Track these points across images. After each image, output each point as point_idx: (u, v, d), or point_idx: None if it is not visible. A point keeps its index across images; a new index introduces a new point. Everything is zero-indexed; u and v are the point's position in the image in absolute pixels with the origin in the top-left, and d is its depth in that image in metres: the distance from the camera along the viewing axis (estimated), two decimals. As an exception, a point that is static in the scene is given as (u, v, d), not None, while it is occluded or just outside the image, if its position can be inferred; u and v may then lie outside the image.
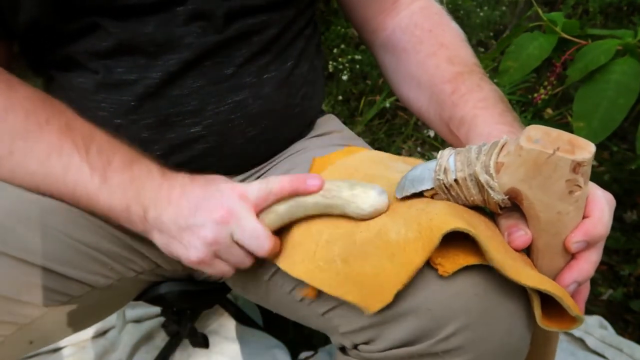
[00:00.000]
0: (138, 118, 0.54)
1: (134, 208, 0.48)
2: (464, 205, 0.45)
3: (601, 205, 0.41)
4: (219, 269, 0.49)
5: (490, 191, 0.41)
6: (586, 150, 0.38)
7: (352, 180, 0.47)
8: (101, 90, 0.53)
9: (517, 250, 0.43)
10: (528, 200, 0.41)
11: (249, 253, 0.48)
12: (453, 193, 0.44)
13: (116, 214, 0.48)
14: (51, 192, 0.49)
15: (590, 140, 0.42)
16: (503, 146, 0.41)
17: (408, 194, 0.46)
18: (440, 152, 0.45)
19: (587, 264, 0.42)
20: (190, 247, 0.47)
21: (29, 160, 0.47)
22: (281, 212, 0.48)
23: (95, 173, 0.47)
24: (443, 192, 0.44)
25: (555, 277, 0.43)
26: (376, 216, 0.47)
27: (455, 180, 0.43)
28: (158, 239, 0.49)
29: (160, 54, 0.52)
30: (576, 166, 0.38)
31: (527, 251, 0.45)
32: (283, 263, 0.48)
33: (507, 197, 0.41)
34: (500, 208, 0.43)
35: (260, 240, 0.46)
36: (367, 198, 0.46)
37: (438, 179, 0.43)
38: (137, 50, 0.52)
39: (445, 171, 0.43)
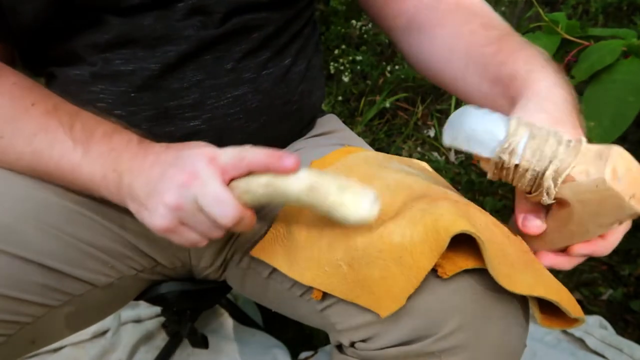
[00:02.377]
0: (137, 110, 0.54)
1: (111, 176, 0.47)
2: (507, 183, 0.42)
3: (620, 234, 0.42)
4: (187, 237, 0.46)
5: (544, 195, 0.40)
6: None
7: (343, 181, 0.43)
8: (98, 81, 0.54)
9: (525, 232, 0.43)
10: (570, 213, 0.40)
11: (215, 224, 0.45)
12: (503, 172, 0.41)
13: (96, 184, 0.48)
14: (39, 169, 0.50)
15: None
16: (578, 153, 0.39)
17: (459, 148, 0.42)
18: (514, 122, 0.40)
19: (568, 262, 0.44)
20: (155, 213, 0.44)
21: (17, 140, 0.48)
22: (259, 195, 0.44)
23: (78, 146, 0.48)
24: (496, 167, 0.41)
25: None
26: (358, 225, 0.44)
27: (516, 165, 0.40)
28: (131, 207, 0.47)
29: (158, 46, 0.53)
30: (633, 214, 0.38)
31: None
32: (291, 271, 0.48)
33: (554, 201, 0.40)
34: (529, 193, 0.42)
35: (223, 206, 0.42)
36: (355, 208, 0.41)
37: (500, 157, 0.40)
38: (135, 42, 0.52)
39: (512, 153, 0.40)
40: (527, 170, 0.40)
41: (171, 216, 0.44)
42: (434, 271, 0.43)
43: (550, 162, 0.39)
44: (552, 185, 0.39)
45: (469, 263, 0.42)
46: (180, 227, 0.45)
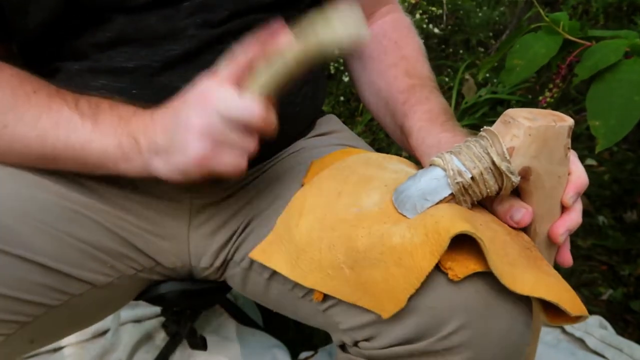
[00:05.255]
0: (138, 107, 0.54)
1: (126, 141, 0.47)
2: (477, 200, 0.45)
3: (574, 158, 0.46)
4: (226, 159, 0.45)
5: (510, 176, 0.43)
6: (565, 117, 0.43)
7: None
8: (99, 76, 0.53)
9: (521, 226, 0.46)
10: (536, 173, 0.43)
11: (248, 130, 0.45)
12: (470, 192, 0.44)
13: (111, 155, 0.48)
14: (47, 152, 0.49)
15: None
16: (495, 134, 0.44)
17: (425, 209, 0.45)
18: (437, 159, 0.45)
19: (576, 213, 0.47)
20: (188, 146, 0.44)
21: (21, 127, 0.48)
22: (258, 72, 0.44)
23: (86, 120, 0.48)
24: (461, 194, 0.45)
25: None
26: (355, 44, 0.43)
27: (472, 178, 0.44)
28: (158, 164, 0.47)
29: (161, 45, 0.52)
30: (569, 130, 0.43)
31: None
32: (293, 274, 0.48)
33: (520, 177, 0.43)
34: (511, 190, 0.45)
35: (247, 105, 0.43)
36: (341, 22, 0.41)
37: (457, 183, 0.44)
38: (138, 40, 0.52)
39: (460, 173, 0.44)
40: (481, 173, 0.43)
41: (204, 140, 0.44)
42: (442, 273, 0.43)
43: (488, 153, 0.43)
44: (508, 164, 0.43)
45: (481, 266, 0.42)
46: (216, 149, 0.44)
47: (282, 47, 0.43)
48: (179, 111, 0.45)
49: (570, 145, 0.44)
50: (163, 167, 0.46)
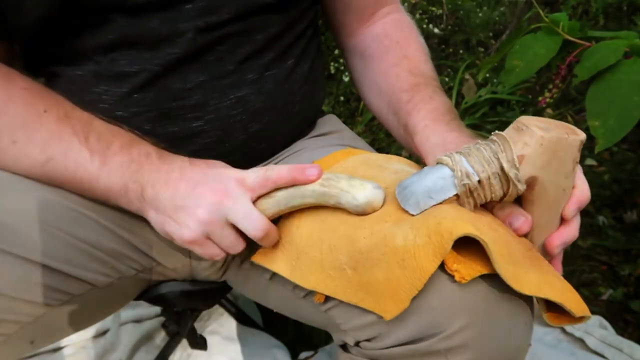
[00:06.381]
0: (139, 110, 0.54)
1: (132, 187, 0.49)
2: (481, 204, 0.45)
3: (579, 173, 0.46)
4: (210, 251, 0.49)
5: (517, 184, 0.43)
6: (578, 130, 0.43)
7: (352, 175, 0.48)
8: (102, 81, 0.54)
9: (519, 234, 0.45)
10: (542, 184, 0.43)
11: (241, 238, 0.49)
12: (475, 195, 0.44)
13: (114, 194, 0.50)
14: (52, 177, 0.50)
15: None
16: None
17: (428, 207, 0.45)
18: (446, 158, 0.45)
19: (574, 227, 0.47)
20: (184, 226, 0.48)
21: (30, 148, 0.49)
22: (279, 198, 0.48)
23: (95, 156, 0.49)
24: (466, 196, 0.44)
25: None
26: (369, 211, 0.46)
27: (479, 181, 0.43)
28: (153, 217, 0.49)
29: (162, 48, 0.53)
30: (580, 144, 0.42)
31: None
32: (293, 275, 0.49)
33: (525, 186, 0.43)
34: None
35: (254, 221, 0.47)
36: (362, 190, 0.46)
37: (464, 185, 0.44)
38: (140, 43, 0.52)
39: (467, 175, 0.43)
40: (488, 178, 0.43)
41: (200, 230, 0.47)
42: (446, 274, 0.43)
43: (497, 158, 0.43)
44: (517, 172, 0.42)
45: (486, 268, 0.42)
46: (205, 240, 0.48)
47: (307, 187, 0.47)
48: (194, 190, 0.48)
49: (579, 160, 0.44)
50: (156, 222, 0.50)
